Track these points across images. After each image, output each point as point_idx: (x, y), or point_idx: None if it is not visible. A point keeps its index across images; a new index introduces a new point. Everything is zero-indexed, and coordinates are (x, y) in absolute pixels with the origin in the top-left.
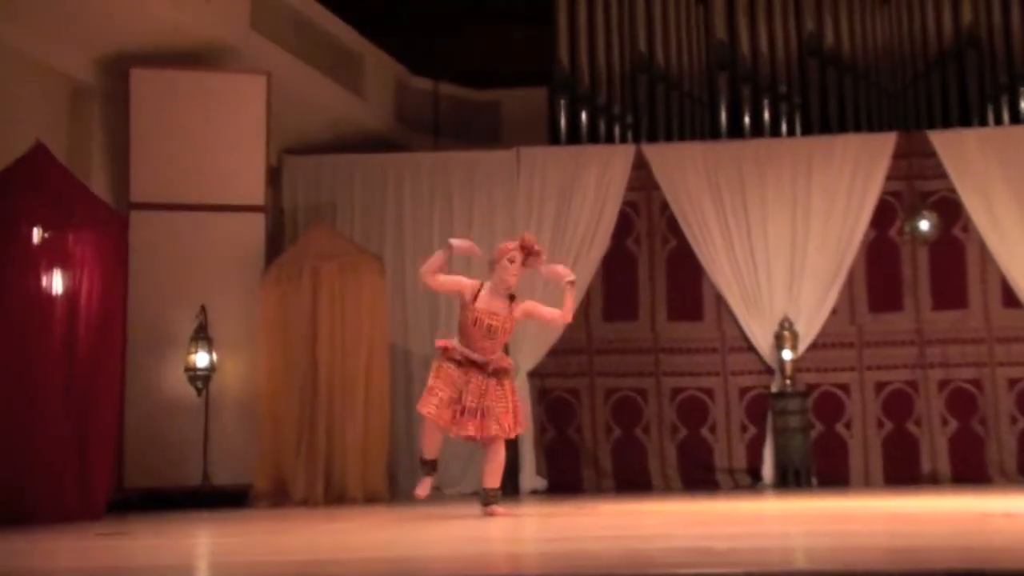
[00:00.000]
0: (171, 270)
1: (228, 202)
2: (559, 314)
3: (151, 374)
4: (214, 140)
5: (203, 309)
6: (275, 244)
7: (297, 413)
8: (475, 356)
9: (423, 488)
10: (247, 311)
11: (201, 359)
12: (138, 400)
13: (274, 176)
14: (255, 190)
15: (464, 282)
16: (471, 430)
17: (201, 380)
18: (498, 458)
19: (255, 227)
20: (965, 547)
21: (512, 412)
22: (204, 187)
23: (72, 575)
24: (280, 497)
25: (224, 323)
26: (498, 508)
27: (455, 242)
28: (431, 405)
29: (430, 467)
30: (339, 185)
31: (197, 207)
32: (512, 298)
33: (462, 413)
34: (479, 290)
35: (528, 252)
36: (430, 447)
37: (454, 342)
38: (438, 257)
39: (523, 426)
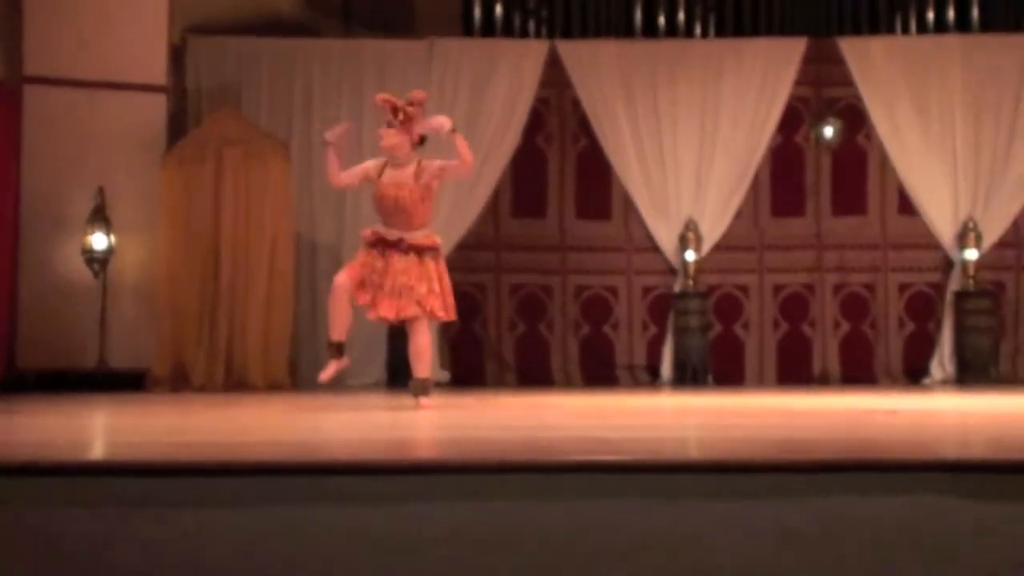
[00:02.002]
0: (68, 149)
1: (128, 80)
2: (457, 163)
3: (46, 255)
4: (114, 14)
5: (101, 190)
6: (178, 126)
7: (198, 298)
8: (388, 234)
9: (327, 372)
10: (147, 194)
11: (98, 241)
12: (32, 280)
13: (178, 56)
14: (157, 69)
15: (367, 165)
16: (384, 310)
17: (98, 262)
18: (419, 342)
19: (156, 108)
20: (850, 439)
21: (440, 294)
22: (103, 63)
23: None
24: (179, 382)
25: (123, 205)
26: (425, 400)
27: (328, 136)
28: (342, 274)
29: (335, 350)
30: (245, 69)
31: (95, 84)
32: (418, 164)
33: (379, 291)
34: (384, 166)
35: (395, 111)
36: (335, 325)
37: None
38: (328, 160)
39: (451, 314)
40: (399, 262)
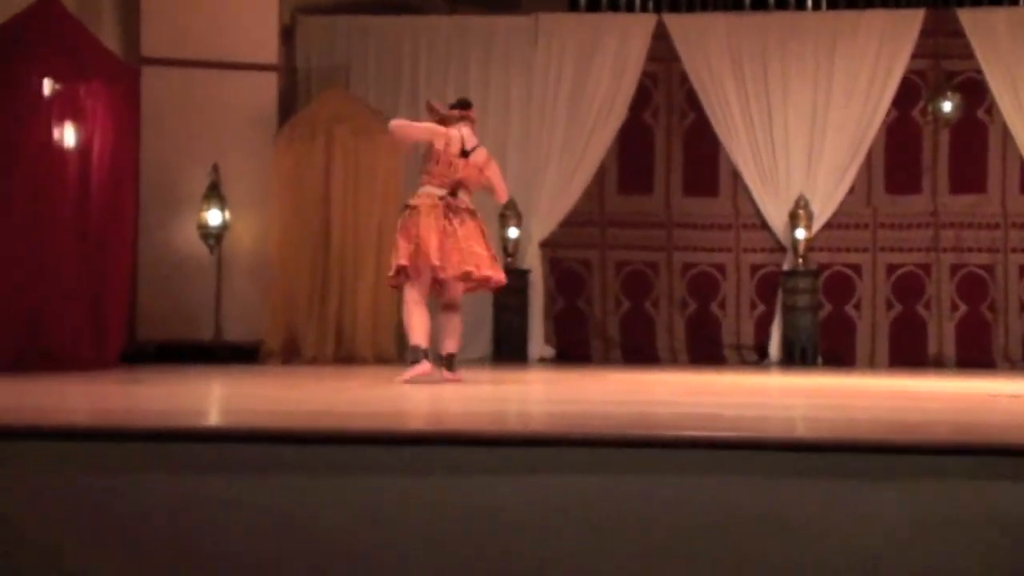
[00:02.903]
0: (183, 128)
1: (241, 60)
2: (499, 191)
3: (164, 231)
4: None
5: (216, 168)
6: (288, 105)
7: (309, 273)
8: (441, 190)
9: (410, 373)
10: (260, 171)
11: (214, 217)
12: (151, 256)
13: (288, 36)
14: (268, 49)
15: (436, 127)
16: (456, 266)
17: (213, 238)
18: (457, 320)
19: (268, 86)
20: (967, 423)
21: (492, 257)
22: (216, 44)
23: (85, 417)
24: (290, 355)
25: (237, 182)
26: (455, 374)
27: (435, 103)
28: (402, 258)
29: (421, 354)
30: (354, 47)
31: (209, 64)
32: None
33: (441, 249)
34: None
35: (440, 118)
36: (416, 329)
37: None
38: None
39: (500, 278)
40: (452, 222)
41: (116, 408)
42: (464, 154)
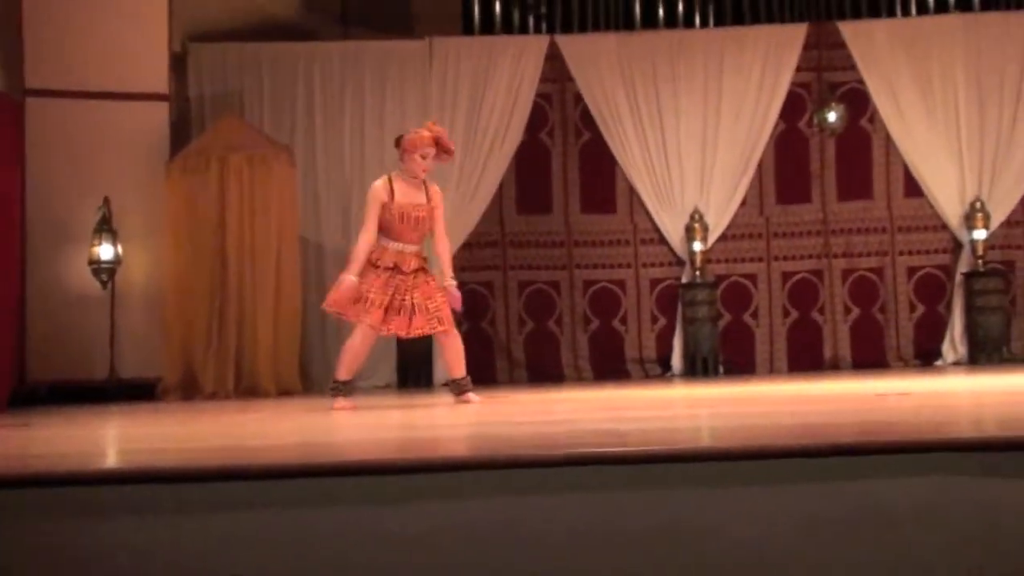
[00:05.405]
0: (72, 160)
1: (130, 89)
2: (444, 260)
3: (53, 267)
4: (114, 24)
5: (106, 201)
6: (181, 134)
7: (207, 306)
8: (405, 247)
9: (339, 405)
10: (153, 203)
11: (105, 251)
12: (40, 293)
13: (179, 64)
14: (158, 78)
15: (377, 195)
16: (417, 327)
17: (106, 273)
18: (456, 345)
19: (159, 116)
20: (863, 422)
21: (447, 304)
22: (105, 74)
23: None
24: (190, 390)
25: (129, 215)
26: (472, 396)
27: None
28: (361, 311)
29: (349, 389)
30: (247, 74)
31: (97, 94)
32: (428, 187)
33: (396, 312)
34: (391, 185)
35: (441, 149)
36: (351, 364)
37: (379, 245)
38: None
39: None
40: (409, 282)
41: (2, 454)
42: None
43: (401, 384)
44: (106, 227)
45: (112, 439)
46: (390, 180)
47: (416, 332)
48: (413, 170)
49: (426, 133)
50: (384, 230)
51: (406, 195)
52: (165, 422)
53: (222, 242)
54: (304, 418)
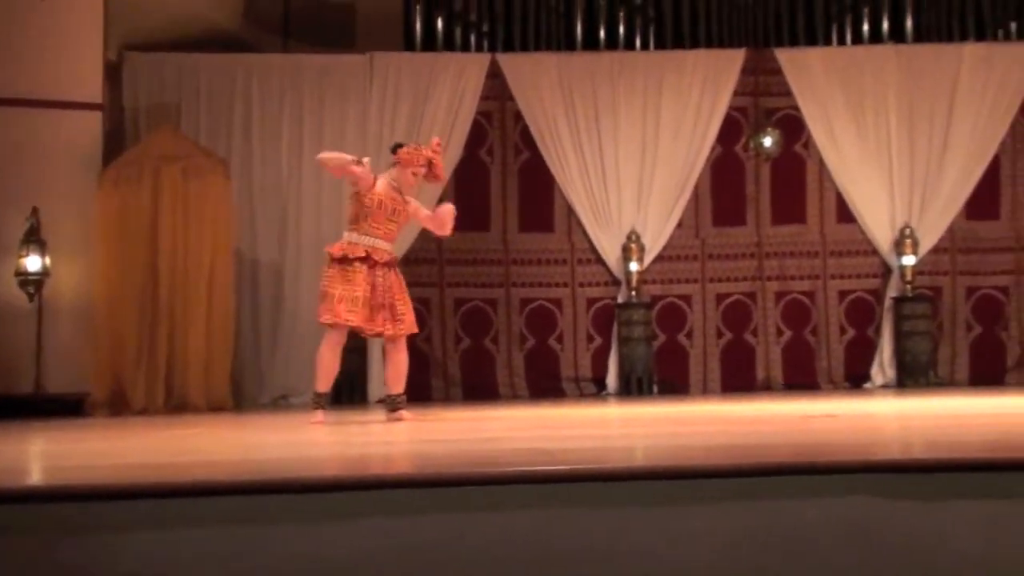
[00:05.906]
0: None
1: (62, 98)
2: (431, 219)
3: None
4: (48, 31)
5: (35, 211)
6: (115, 145)
7: (137, 320)
8: (379, 243)
9: (315, 420)
10: (83, 214)
11: (32, 263)
12: None
13: (114, 73)
14: (92, 86)
15: (367, 167)
16: (382, 326)
17: (33, 285)
18: (402, 358)
19: (92, 126)
20: (790, 444)
21: (411, 308)
22: (36, 81)
23: None
24: (119, 406)
25: (58, 226)
26: (405, 413)
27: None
28: (342, 311)
29: (325, 400)
30: (184, 85)
31: (27, 102)
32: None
33: (376, 309)
34: (374, 178)
35: (432, 173)
36: (327, 376)
37: (347, 240)
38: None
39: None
40: (385, 277)
41: None
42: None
43: (335, 400)
44: (34, 238)
45: (35, 455)
46: (375, 175)
47: (385, 330)
48: (402, 182)
49: (426, 153)
50: (357, 223)
51: (386, 191)
52: (91, 438)
53: (154, 255)
54: (238, 434)
